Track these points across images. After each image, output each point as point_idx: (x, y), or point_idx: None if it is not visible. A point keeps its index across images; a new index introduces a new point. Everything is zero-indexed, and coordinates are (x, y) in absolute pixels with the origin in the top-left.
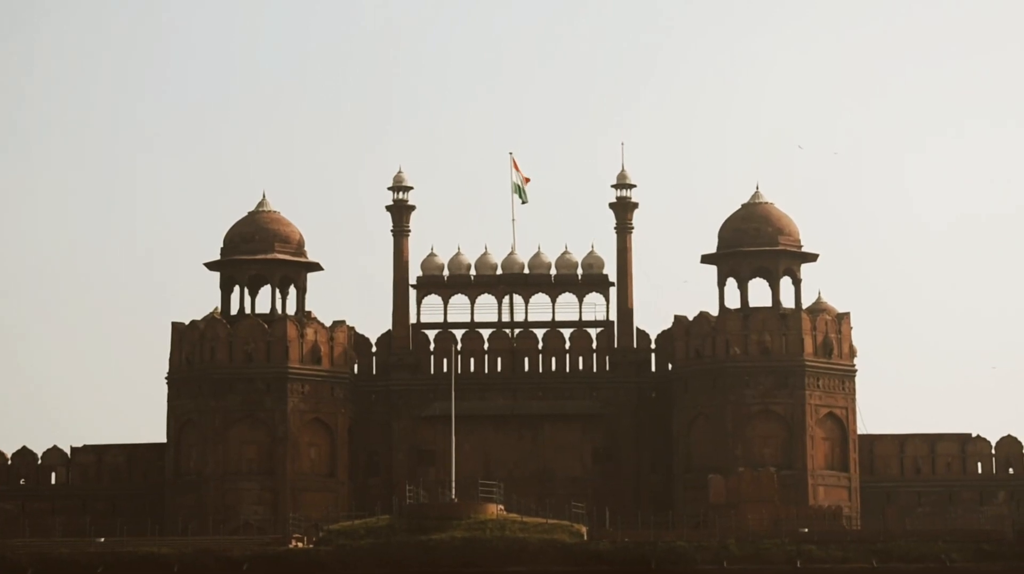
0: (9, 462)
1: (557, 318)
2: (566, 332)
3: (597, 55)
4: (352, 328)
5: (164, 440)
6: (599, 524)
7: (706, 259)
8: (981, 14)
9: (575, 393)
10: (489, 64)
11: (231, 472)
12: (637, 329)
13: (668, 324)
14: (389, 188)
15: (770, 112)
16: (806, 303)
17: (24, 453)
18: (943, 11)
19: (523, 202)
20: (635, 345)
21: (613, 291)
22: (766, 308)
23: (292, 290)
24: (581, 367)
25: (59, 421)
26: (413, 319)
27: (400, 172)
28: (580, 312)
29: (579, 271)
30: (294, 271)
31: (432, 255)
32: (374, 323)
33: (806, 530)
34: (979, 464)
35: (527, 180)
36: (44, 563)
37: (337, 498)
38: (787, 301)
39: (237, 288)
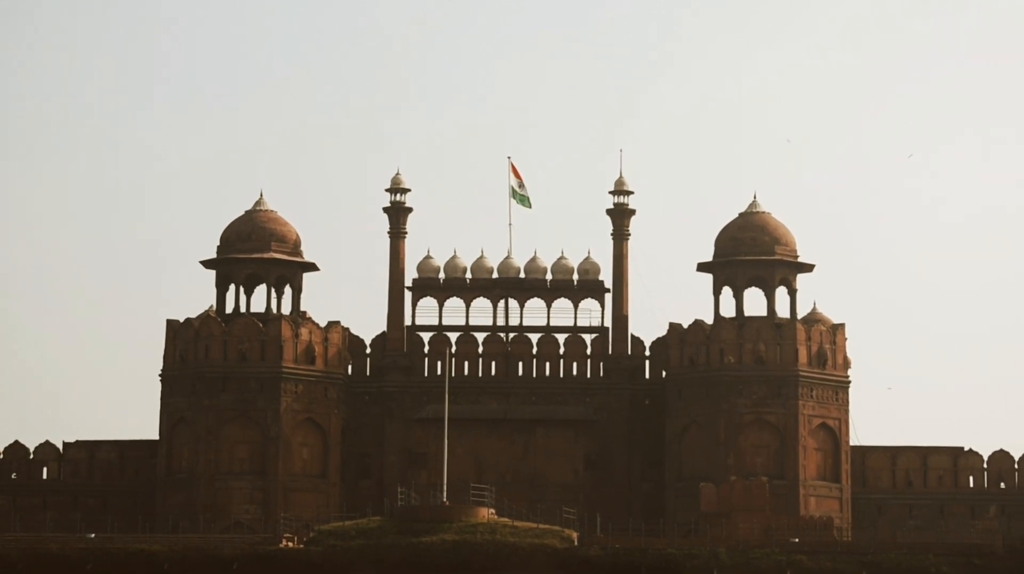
0: (1, 456)
1: (552, 323)
2: (561, 337)
3: (597, 61)
4: (347, 329)
5: (156, 437)
6: (590, 530)
7: (702, 267)
8: (986, 26)
9: (568, 398)
10: (489, 68)
11: (223, 471)
12: (632, 336)
13: (663, 331)
14: (387, 190)
15: (769, 121)
16: (801, 313)
17: (16, 447)
18: (943, 23)
19: (523, 206)
20: (629, 352)
21: (608, 297)
22: (761, 318)
23: (288, 290)
24: (575, 373)
25: (52, 416)
26: (408, 321)
27: (398, 174)
28: (575, 318)
29: (575, 277)
30: (290, 271)
31: (428, 258)
32: (369, 324)
33: (797, 540)
34: (971, 478)
35: (520, 181)
36: (34, 558)
37: (328, 499)
38: (782, 311)
39: (233, 287)
